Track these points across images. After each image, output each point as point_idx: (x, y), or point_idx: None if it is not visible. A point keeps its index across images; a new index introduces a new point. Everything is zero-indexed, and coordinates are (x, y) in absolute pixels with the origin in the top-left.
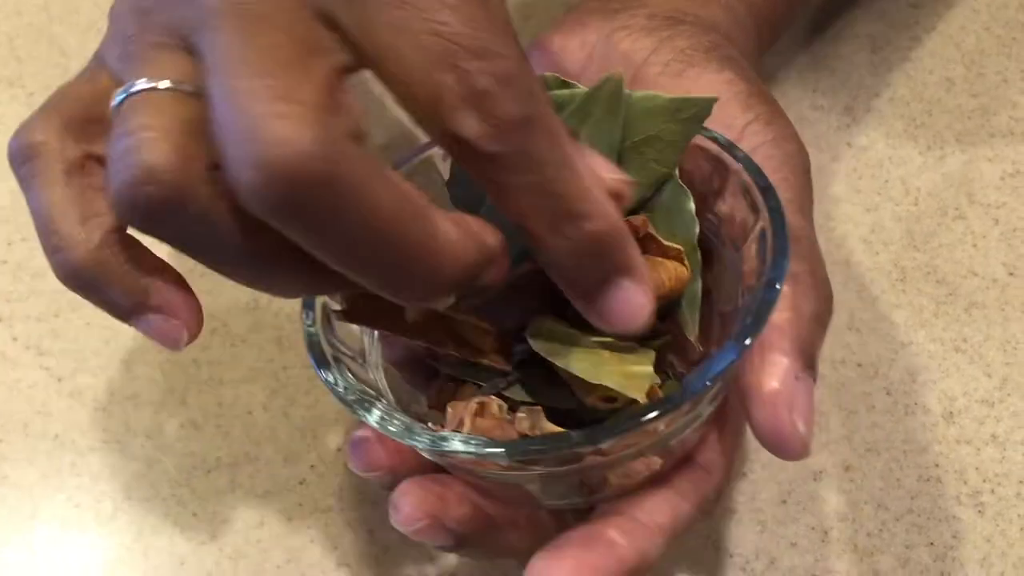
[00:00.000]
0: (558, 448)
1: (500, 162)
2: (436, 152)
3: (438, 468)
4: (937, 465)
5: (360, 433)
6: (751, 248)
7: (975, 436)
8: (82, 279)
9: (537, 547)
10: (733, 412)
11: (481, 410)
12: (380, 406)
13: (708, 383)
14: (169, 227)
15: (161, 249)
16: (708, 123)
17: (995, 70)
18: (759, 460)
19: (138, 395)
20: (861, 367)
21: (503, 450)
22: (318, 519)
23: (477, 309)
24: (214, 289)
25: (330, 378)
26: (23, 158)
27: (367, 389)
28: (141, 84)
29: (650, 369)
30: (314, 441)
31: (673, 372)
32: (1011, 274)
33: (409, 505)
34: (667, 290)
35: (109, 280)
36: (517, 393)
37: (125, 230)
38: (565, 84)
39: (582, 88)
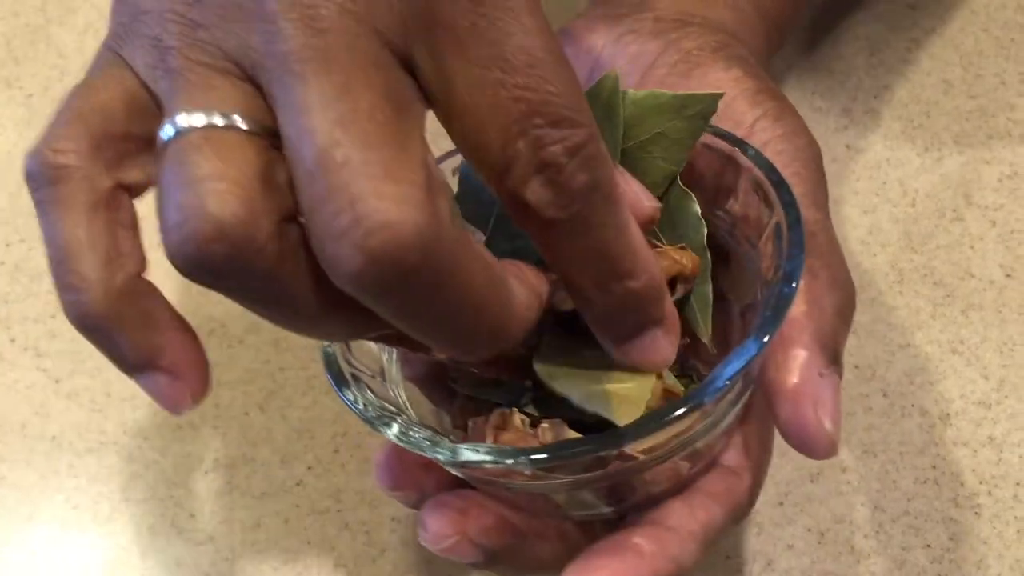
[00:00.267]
0: (582, 452)
1: (560, 227)
2: (447, 164)
3: (464, 485)
4: (934, 467)
5: (385, 452)
6: (767, 244)
7: (972, 438)
8: (94, 326)
9: (567, 559)
10: (761, 413)
11: (503, 423)
12: (400, 421)
13: (729, 380)
14: (230, 284)
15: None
16: (717, 121)
17: (993, 72)
18: None
19: (136, 396)
20: (858, 369)
21: (526, 457)
22: (315, 520)
23: None
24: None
25: (350, 396)
26: (45, 180)
27: (387, 405)
28: (198, 119)
29: (648, 390)
30: (311, 442)
31: (697, 375)
32: (1008, 276)
33: (436, 523)
34: (675, 272)
35: (122, 332)
36: (538, 408)
37: (144, 274)
38: None
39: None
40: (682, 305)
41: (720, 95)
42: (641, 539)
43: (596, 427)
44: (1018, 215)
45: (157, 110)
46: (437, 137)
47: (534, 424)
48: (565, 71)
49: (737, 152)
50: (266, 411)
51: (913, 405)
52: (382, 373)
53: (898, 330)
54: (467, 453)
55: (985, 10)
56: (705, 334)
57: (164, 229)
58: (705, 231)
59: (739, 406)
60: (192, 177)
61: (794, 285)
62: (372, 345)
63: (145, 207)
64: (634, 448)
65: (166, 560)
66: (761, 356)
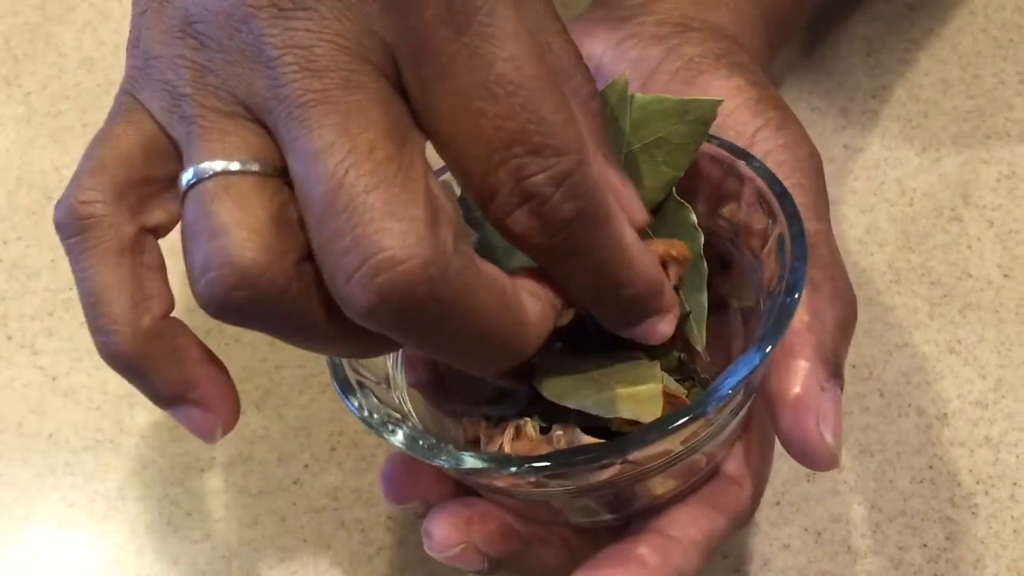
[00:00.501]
0: (585, 461)
1: (551, 251)
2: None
3: (471, 493)
4: (931, 467)
5: (389, 465)
6: (770, 255)
7: (969, 438)
8: (127, 364)
9: (571, 566)
10: (762, 423)
11: (517, 434)
12: (406, 428)
13: (731, 390)
14: (257, 323)
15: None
16: (719, 130)
17: (991, 72)
18: None
19: (132, 394)
20: (855, 368)
21: (529, 465)
22: (312, 519)
23: None
24: None
25: (355, 403)
26: (74, 230)
27: (392, 412)
28: (217, 166)
29: (659, 386)
30: (308, 441)
31: (698, 378)
32: (1006, 276)
33: (441, 532)
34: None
35: (154, 369)
36: (543, 417)
37: (171, 313)
38: None
39: None
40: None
41: (719, 101)
42: (644, 548)
43: (608, 428)
44: (1016, 215)
45: (175, 151)
46: None
47: (546, 431)
48: (550, 97)
49: (740, 163)
50: (263, 410)
51: (910, 405)
52: (387, 380)
53: (895, 330)
54: (471, 460)
55: (983, 10)
56: (699, 342)
57: (192, 278)
58: (701, 240)
59: (740, 415)
60: (213, 228)
61: (796, 296)
62: None
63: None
64: (637, 456)
65: (163, 558)
66: (763, 367)
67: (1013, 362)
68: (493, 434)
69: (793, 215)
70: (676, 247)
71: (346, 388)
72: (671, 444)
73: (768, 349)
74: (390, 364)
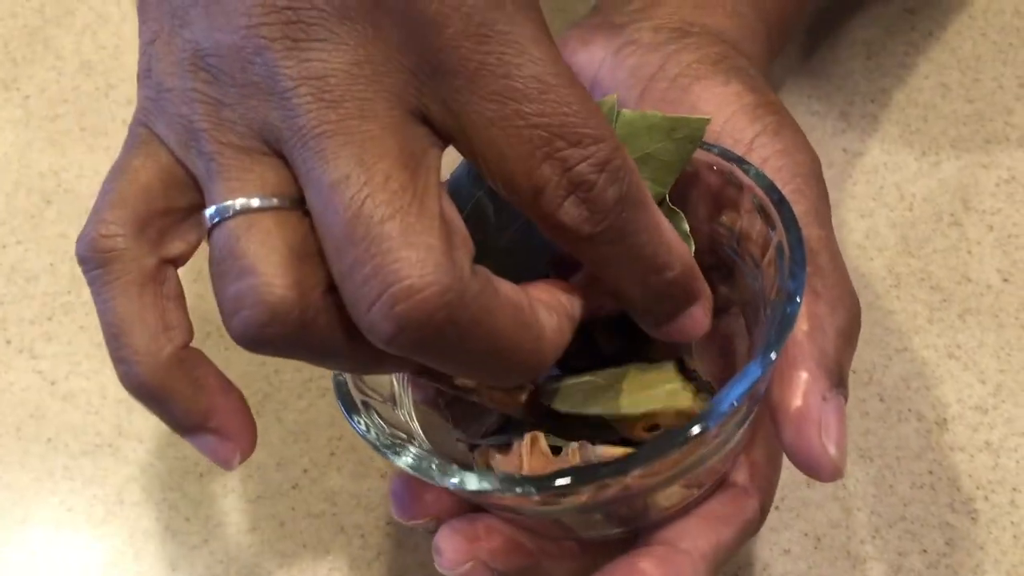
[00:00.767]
0: (590, 480)
1: (597, 239)
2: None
3: (479, 509)
4: (930, 472)
5: (400, 482)
6: (770, 264)
7: (969, 443)
8: (147, 393)
9: None
10: (768, 432)
11: (533, 446)
12: (411, 450)
13: (736, 403)
14: (287, 353)
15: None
16: (716, 137)
17: (991, 76)
18: None
19: (131, 398)
20: (855, 373)
21: (534, 485)
22: (310, 524)
23: None
24: (206, 293)
25: (361, 425)
26: (96, 263)
27: (398, 433)
28: (238, 204)
29: (678, 383)
30: (307, 445)
31: (701, 382)
32: (1005, 280)
33: (451, 549)
34: None
35: (174, 398)
36: (552, 439)
37: (191, 343)
38: None
39: None
40: None
41: (707, 120)
42: (653, 562)
43: (615, 442)
44: (1015, 220)
45: (192, 182)
46: None
47: (556, 449)
48: (578, 91)
49: (738, 171)
50: (262, 414)
51: (910, 410)
52: (393, 398)
53: (895, 334)
54: (476, 482)
55: (983, 14)
56: (688, 352)
57: (224, 315)
58: (692, 248)
59: (746, 426)
60: (241, 268)
61: (796, 305)
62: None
63: None
64: (642, 473)
65: (161, 563)
66: (766, 377)
67: (1013, 367)
68: (511, 453)
69: (791, 223)
70: None
71: (351, 408)
72: (676, 460)
73: (771, 358)
74: (396, 382)
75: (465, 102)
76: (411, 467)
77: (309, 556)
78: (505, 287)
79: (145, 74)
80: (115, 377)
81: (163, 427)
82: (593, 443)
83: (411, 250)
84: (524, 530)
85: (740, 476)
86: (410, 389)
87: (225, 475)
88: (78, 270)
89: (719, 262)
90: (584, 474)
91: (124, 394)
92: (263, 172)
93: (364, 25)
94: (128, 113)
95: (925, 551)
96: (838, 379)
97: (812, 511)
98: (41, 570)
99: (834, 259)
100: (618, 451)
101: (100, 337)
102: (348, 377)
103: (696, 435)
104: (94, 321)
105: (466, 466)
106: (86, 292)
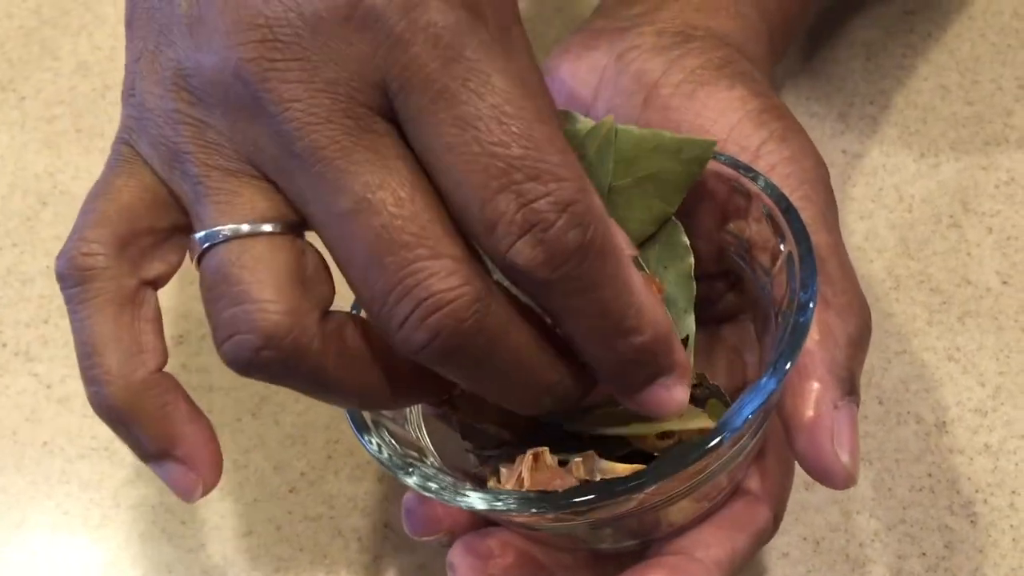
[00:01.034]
0: (603, 498)
1: (555, 288)
2: None
3: (492, 523)
4: (930, 475)
5: (412, 497)
6: (780, 273)
7: (968, 446)
8: (115, 416)
9: None
10: (780, 440)
11: (536, 462)
12: (423, 469)
13: (751, 416)
14: (281, 379)
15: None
16: (722, 144)
17: (990, 77)
18: None
19: None
20: None
21: (548, 504)
22: (307, 527)
23: None
24: None
25: (372, 443)
26: (75, 281)
27: (410, 452)
28: (228, 230)
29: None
30: (304, 448)
31: (715, 392)
32: (1005, 283)
33: (465, 567)
34: None
35: (141, 423)
36: (559, 454)
37: (164, 368)
38: (568, 118)
39: (587, 122)
40: None
41: (714, 142)
42: (665, 573)
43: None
44: (1015, 221)
45: (175, 203)
46: None
47: (562, 463)
48: (544, 127)
49: (747, 180)
50: (258, 417)
51: (909, 412)
52: (403, 415)
53: (894, 337)
54: (486, 501)
55: (982, 15)
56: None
57: (216, 340)
58: (692, 261)
59: (760, 435)
60: (236, 294)
61: (808, 315)
62: None
63: None
64: (655, 488)
65: (157, 567)
66: (780, 389)
67: (1012, 369)
68: (515, 465)
69: (802, 234)
70: (653, 284)
71: (361, 427)
72: (690, 474)
73: (786, 369)
74: None
75: (426, 123)
76: (422, 487)
77: (306, 560)
78: (520, 299)
79: (129, 92)
80: (104, 423)
81: None
82: (599, 455)
83: (440, 266)
84: (538, 543)
85: (753, 484)
86: (421, 405)
87: (222, 478)
88: None
89: (727, 270)
90: (599, 491)
91: None
92: (252, 196)
93: (336, 42)
94: None
95: (924, 554)
96: (850, 387)
97: (811, 515)
98: (37, 573)
99: (843, 266)
100: (624, 466)
101: None
102: None
103: (711, 448)
104: None
105: (478, 479)
106: None
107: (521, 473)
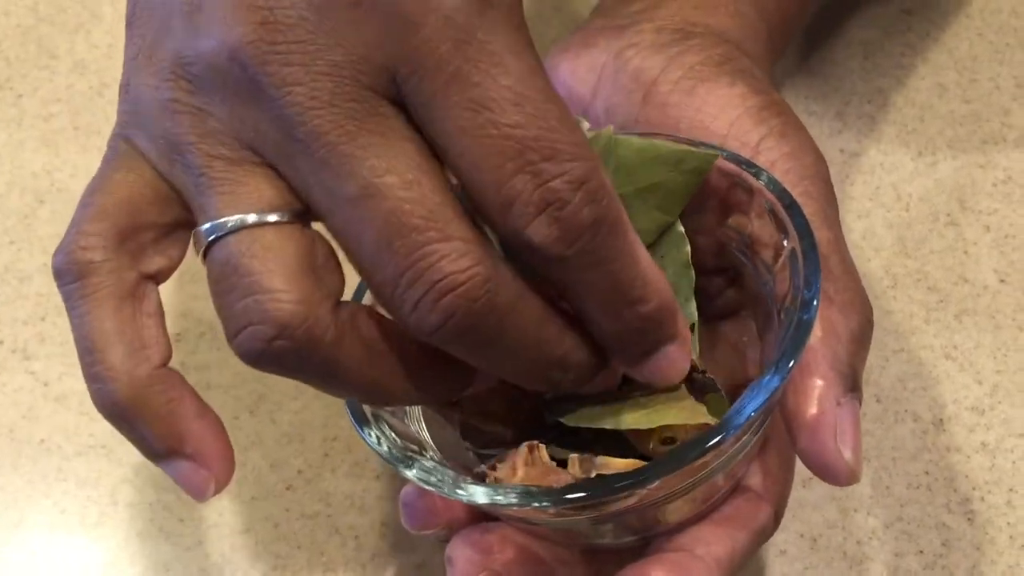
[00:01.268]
0: (604, 494)
1: (570, 263)
2: None
3: (491, 517)
4: (927, 473)
5: (410, 491)
6: (783, 270)
7: (965, 444)
8: (120, 414)
9: None
10: (781, 437)
11: (530, 459)
12: (423, 462)
13: (753, 413)
14: (293, 370)
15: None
16: (722, 141)
17: (988, 76)
18: None
19: None
20: None
21: (549, 499)
22: (305, 525)
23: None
24: (200, 293)
25: (372, 436)
26: (73, 276)
27: (409, 445)
28: (234, 220)
29: (690, 397)
30: (301, 447)
31: (715, 388)
32: (1002, 281)
33: (464, 561)
34: None
35: (147, 420)
36: (558, 452)
37: (168, 363)
38: None
39: (586, 127)
40: None
41: (715, 155)
42: (665, 570)
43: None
44: (1012, 220)
45: (175, 196)
46: None
47: (563, 463)
48: (557, 107)
49: (749, 175)
50: (256, 415)
51: (906, 410)
52: (403, 410)
53: (892, 335)
54: (487, 495)
55: (980, 14)
56: (694, 352)
57: (228, 332)
58: (688, 249)
59: (761, 433)
60: (247, 285)
61: (812, 312)
62: None
63: None
64: (657, 485)
65: (155, 565)
66: (783, 387)
67: (1009, 367)
68: (510, 457)
69: (805, 230)
70: None
71: (361, 420)
72: (692, 471)
73: (789, 367)
74: None
75: (439, 107)
76: (423, 480)
77: (303, 558)
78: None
79: (125, 88)
80: (109, 423)
81: None
82: (596, 455)
83: (451, 247)
84: (537, 538)
85: (754, 481)
86: None
87: None
88: None
89: (727, 265)
90: (601, 487)
91: None
92: (258, 185)
93: (344, 26)
94: None
95: (922, 552)
96: (852, 383)
97: (808, 512)
98: (34, 572)
99: (844, 262)
100: (622, 463)
101: None
102: None
103: (713, 446)
104: None
105: (477, 475)
106: None
107: (515, 463)
